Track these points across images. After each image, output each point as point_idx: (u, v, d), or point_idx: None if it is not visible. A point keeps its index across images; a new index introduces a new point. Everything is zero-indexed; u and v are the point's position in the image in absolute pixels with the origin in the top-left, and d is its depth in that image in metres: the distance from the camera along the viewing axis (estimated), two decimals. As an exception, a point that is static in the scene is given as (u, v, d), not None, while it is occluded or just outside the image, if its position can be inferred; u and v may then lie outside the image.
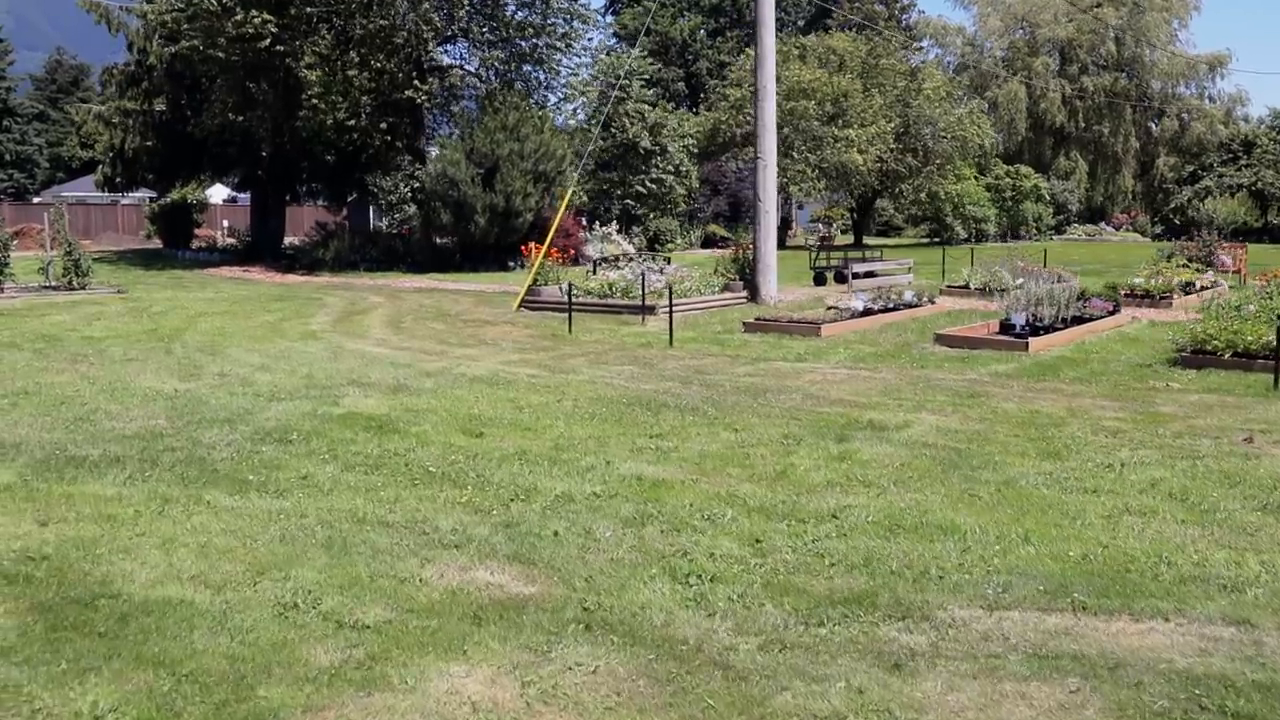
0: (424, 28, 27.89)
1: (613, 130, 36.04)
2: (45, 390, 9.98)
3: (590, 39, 35.60)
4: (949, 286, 19.87)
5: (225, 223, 44.28)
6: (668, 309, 16.16)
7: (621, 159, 37.75)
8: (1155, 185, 58.97)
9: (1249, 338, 11.25)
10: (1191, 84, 58.75)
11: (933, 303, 17.06)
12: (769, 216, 18.60)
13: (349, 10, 27.51)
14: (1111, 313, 15.27)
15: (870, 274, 22.67)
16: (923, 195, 44.99)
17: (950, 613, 4.53)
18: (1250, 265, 23.12)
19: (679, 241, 38.61)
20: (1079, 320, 14.39)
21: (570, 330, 14.79)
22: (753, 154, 40.66)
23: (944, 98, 43.61)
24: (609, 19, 62.90)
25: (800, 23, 64.00)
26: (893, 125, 41.16)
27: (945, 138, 42.70)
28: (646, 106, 38.31)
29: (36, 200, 53.01)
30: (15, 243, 32.43)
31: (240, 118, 28.50)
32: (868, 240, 46.83)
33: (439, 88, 30.83)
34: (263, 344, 13.53)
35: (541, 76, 31.51)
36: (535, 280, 17.86)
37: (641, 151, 37.66)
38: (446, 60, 32.06)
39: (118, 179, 34.24)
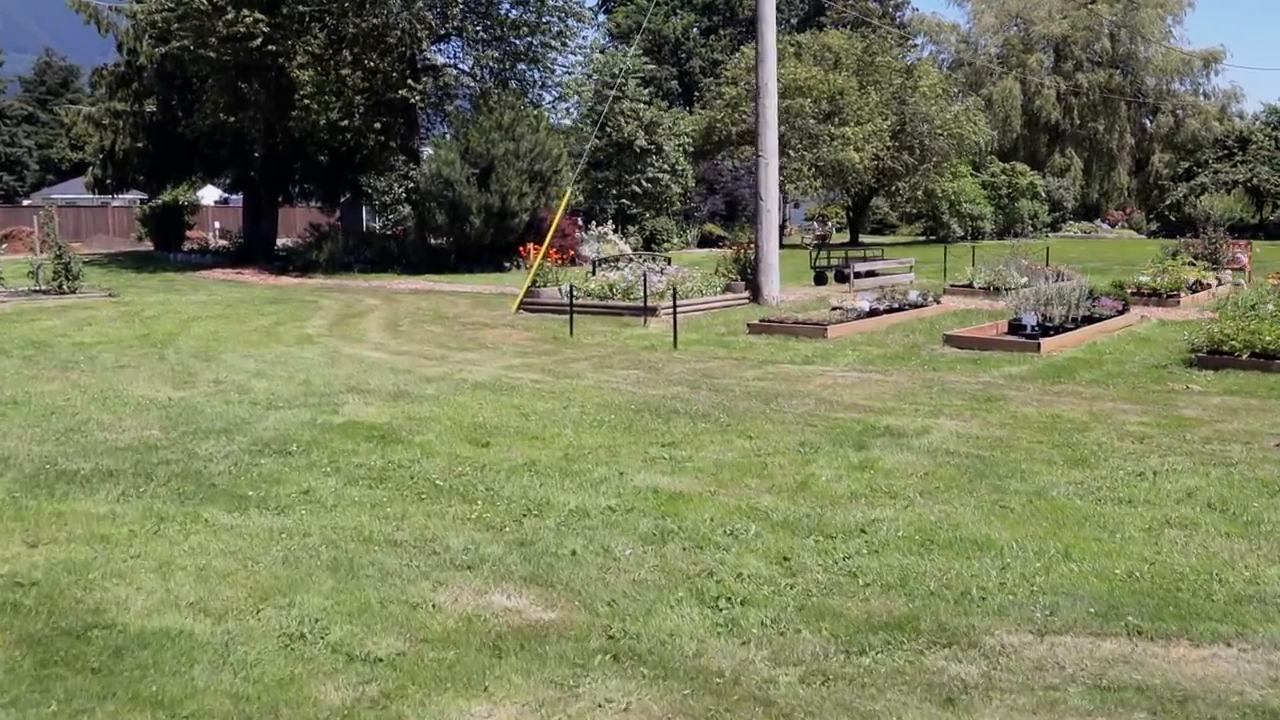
0: (417, 26, 27.57)
1: (608, 129, 35.74)
2: (35, 399, 9.68)
3: (585, 37, 35.27)
4: (952, 285, 19.63)
5: (217, 224, 43.93)
6: (669, 311, 15.92)
7: (616, 158, 37.47)
8: (1150, 182, 58.88)
9: (1268, 338, 11.02)
10: (1186, 80, 58.73)
11: (938, 302, 16.81)
12: (771, 216, 18.35)
13: (341, 9, 27.19)
14: (1121, 312, 15.03)
15: (871, 273, 22.42)
16: (919, 193, 44.77)
17: (999, 638, 4.27)
18: (1253, 263, 22.92)
19: (675, 241, 38.35)
20: (1089, 320, 14.15)
21: (571, 333, 14.51)
22: (749, 153, 40.54)
23: (940, 95, 43.41)
24: (601, 18, 62.56)
25: (794, 20, 63.75)
26: (889, 123, 40.95)
27: (941, 135, 42.50)
28: (642, 105, 38.03)
29: (26, 203, 52.60)
30: (4, 246, 32.14)
31: (232, 118, 28.16)
32: (862, 238, 46.63)
33: (433, 87, 30.52)
34: (258, 349, 13.23)
35: (536, 75, 31.22)
36: (534, 282, 17.57)
37: (637, 150, 37.38)
38: (441, 59, 31.76)
39: (108, 181, 33.87)
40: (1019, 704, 3.73)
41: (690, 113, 45.84)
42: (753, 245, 19.57)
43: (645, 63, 39.65)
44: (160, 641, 4.21)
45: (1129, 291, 17.12)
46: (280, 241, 35.64)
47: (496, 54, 29.60)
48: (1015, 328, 13.60)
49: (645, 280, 15.74)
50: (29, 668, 4.02)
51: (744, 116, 40.88)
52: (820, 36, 44.90)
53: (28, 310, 18.07)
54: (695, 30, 65.18)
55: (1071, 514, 5.98)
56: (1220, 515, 5.94)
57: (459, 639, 4.26)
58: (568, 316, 15.67)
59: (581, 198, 36.59)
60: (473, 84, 31.07)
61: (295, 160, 31.64)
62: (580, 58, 36.46)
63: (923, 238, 49.95)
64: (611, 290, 16.92)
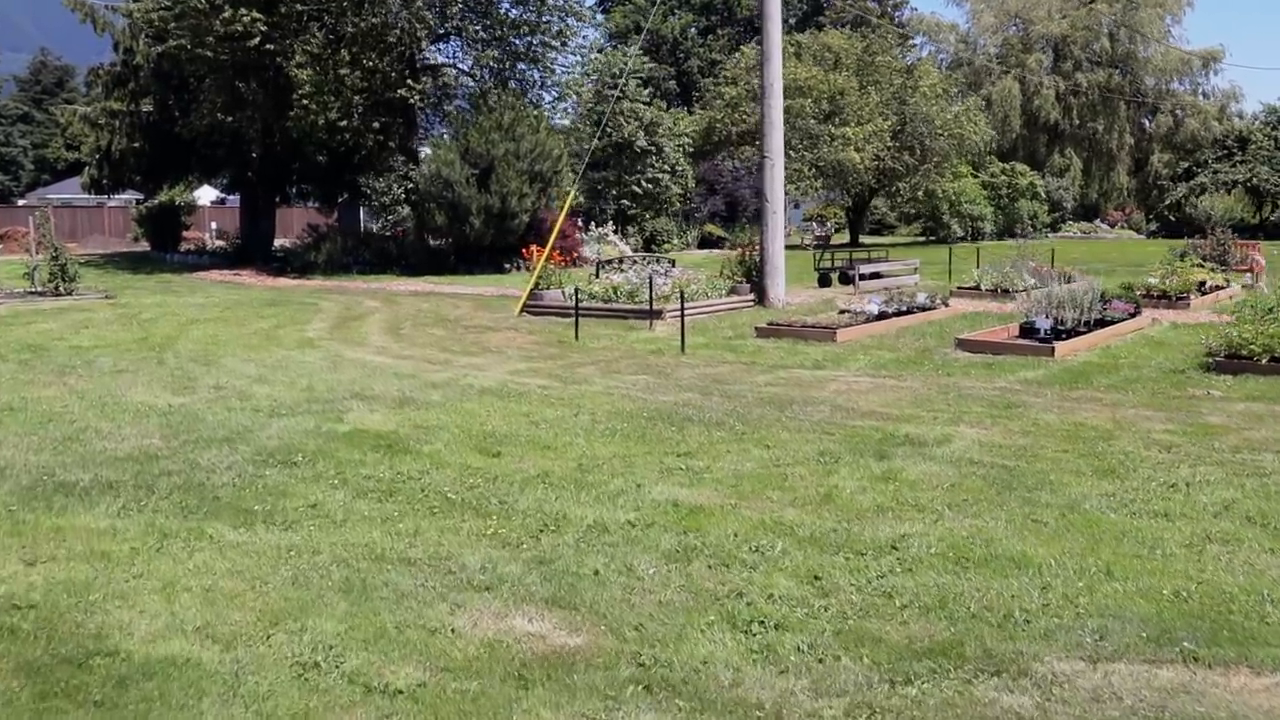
0: (417, 26, 27.35)
1: (608, 129, 35.53)
2: (31, 406, 9.44)
3: (585, 37, 35.04)
4: (959, 288, 19.43)
5: (213, 225, 43.65)
6: (675, 314, 15.71)
7: (616, 158, 37.24)
8: (1149, 182, 58.74)
9: (1289, 342, 10.82)
10: (1185, 80, 58.58)
11: (946, 305, 16.61)
12: (777, 217, 18.14)
13: (340, 8, 26.94)
14: (1132, 315, 14.83)
15: (876, 275, 22.23)
16: (920, 194, 44.58)
17: (1049, 666, 4.06)
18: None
19: (675, 242, 38.13)
20: (1101, 323, 13.95)
21: (577, 337, 14.29)
22: (749, 153, 40.38)
23: (940, 95, 43.23)
24: (599, 18, 62.31)
25: (792, 20, 63.54)
26: (889, 123, 40.75)
27: (942, 135, 42.31)
28: (642, 105, 37.80)
29: (21, 203, 52.31)
30: (0, 247, 31.87)
31: (229, 118, 27.90)
32: (862, 239, 46.44)
33: (432, 87, 30.28)
34: (258, 353, 13.00)
35: (536, 75, 30.98)
36: (537, 284, 17.35)
37: (637, 151, 37.16)
38: (440, 59, 31.52)
39: (104, 181, 33.59)
40: (1079, 740, 3.52)
41: (690, 113, 45.61)
42: (757, 247, 19.38)
43: (645, 62, 39.40)
44: (166, 671, 4.00)
45: (1138, 294, 16.92)
46: (277, 242, 35.38)
47: (496, 53, 29.35)
48: (1027, 331, 13.40)
49: (651, 283, 15.51)
50: (27, 700, 3.80)
51: (744, 117, 40.70)
52: (820, 36, 44.71)
53: (23, 312, 17.82)
54: (693, 30, 65.01)
55: (1107, 529, 5.78)
56: (1262, 530, 5.74)
57: (481, 668, 4.04)
58: (572, 319, 15.45)
59: (582, 199, 36.36)
60: (472, 84, 30.85)
61: (293, 160, 31.39)
62: (578, 58, 36.25)
63: (922, 238, 49.78)
64: (616, 293, 16.70)
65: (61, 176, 62.16)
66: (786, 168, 38.09)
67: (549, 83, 31.86)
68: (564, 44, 30.89)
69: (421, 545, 5.48)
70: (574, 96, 34.93)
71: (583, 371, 11.51)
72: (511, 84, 30.08)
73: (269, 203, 34.07)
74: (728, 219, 42.28)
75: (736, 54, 45.97)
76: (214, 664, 4.06)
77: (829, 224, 52.18)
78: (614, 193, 37.25)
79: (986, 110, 51.22)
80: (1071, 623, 4.47)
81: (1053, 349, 12.27)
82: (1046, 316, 13.30)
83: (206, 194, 46.22)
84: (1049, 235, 50.25)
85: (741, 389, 10.30)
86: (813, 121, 39.39)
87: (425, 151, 30.71)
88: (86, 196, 43.52)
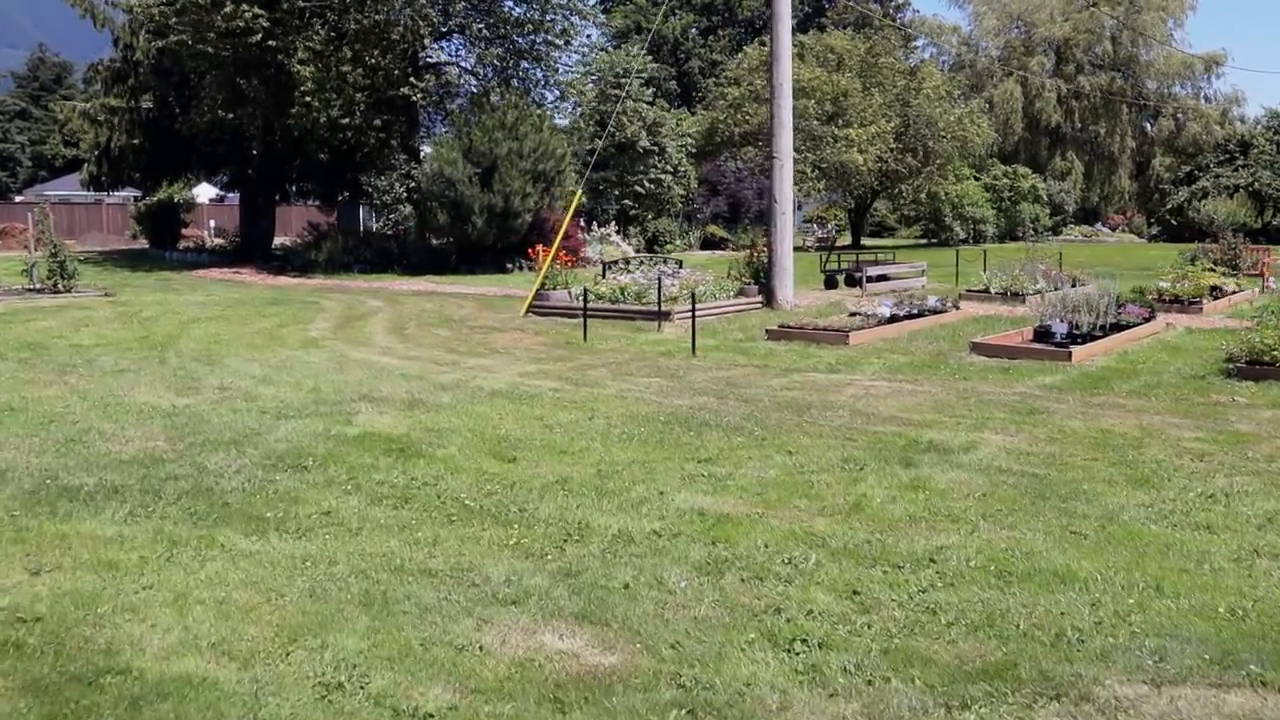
0: (420, 23, 27.13)
1: (610, 129, 35.33)
2: (32, 406, 9.23)
3: (589, 35, 34.84)
4: (968, 290, 19.23)
5: (212, 222, 43.41)
6: (683, 315, 15.53)
7: (618, 158, 37.03)
8: (1151, 186, 58.60)
9: (1312, 348, 10.64)
10: (1187, 84, 58.45)
11: (957, 308, 16.41)
12: (785, 218, 17.95)
13: (343, 5, 26.72)
14: (1147, 319, 14.64)
15: (883, 277, 22.05)
16: (923, 196, 44.41)
17: (1110, 689, 3.86)
18: (1270, 269, 22.58)
19: (678, 243, 37.92)
20: (1116, 327, 13.76)
21: (585, 338, 14.08)
22: (752, 154, 40.21)
23: (943, 97, 43.06)
24: (601, 18, 62.11)
25: (794, 21, 63.41)
26: (892, 125, 40.58)
27: (945, 137, 42.14)
28: (645, 105, 37.60)
29: (19, 199, 52.04)
30: (-3, 243, 31.62)
31: (230, 115, 27.67)
32: (863, 241, 46.29)
33: (435, 85, 30.06)
34: (262, 353, 12.79)
35: (540, 74, 30.76)
36: (543, 284, 17.14)
37: (640, 151, 36.95)
38: (444, 57, 31.32)
39: (103, 178, 33.33)
40: (1154, 772, 3.32)
41: (691, 113, 45.42)
42: (765, 248, 19.19)
43: (649, 62, 39.18)
44: (182, 691, 3.79)
45: (1151, 298, 16.74)
46: (276, 241, 35.16)
47: (500, 52, 29.13)
48: (1041, 335, 13.23)
49: (660, 284, 15.30)
50: (35, 722, 3.59)
51: (747, 117, 40.52)
52: (823, 38, 44.54)
53: (22, 310, 17.59)
54: (694, 30, 64.85)
55: (1150, 541, 5.58)
56: (1310, 544, 5.54)
57: (514, 689, 3.84)
58: (578, 320, 15.26)
59: (584, 199, 36.15)
60: (475, 82, 30.63)
61: (294, 158, 31.16)
62: (579, 56, 36.04)
63: (923, 241, 49.64)
64: (623, 294, 16.49)
65: (59, 173, 61.90)
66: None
67: (551, 82, 31.67)
68: (567, 43, 30.69)
69: (442, 555, 5.27)
70: (577, 95, 34.69)
71: (594, 374, 11.30)
72: (514, 82, 29.87)
73: (269, 201, 33.85)
74: (730, 220, 42.10)
75: (739, 54, 45.79)
76: (232, 684, 3.85)
77: (830, 225, 52.05)
78: (616, 193, 37.03)
79: (988, 113, 51.11)
80: (1128, 642, 4.27)
81: (1070, 354, 12.09)
82: (1062, 321, 13.12)
83: (205, 191, 45.95)
84: (1050, 238, 50.11)
85: (757, 393, 10.10)
86: (816, 123, 39.20)
87: (426, 150, 30.49)
88: (84, 193, 43.27)
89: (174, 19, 26.53)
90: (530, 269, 26.56)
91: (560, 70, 31.51)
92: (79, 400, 9.49)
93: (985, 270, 23.15)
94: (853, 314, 15.27)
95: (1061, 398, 9.89)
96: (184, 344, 13.49)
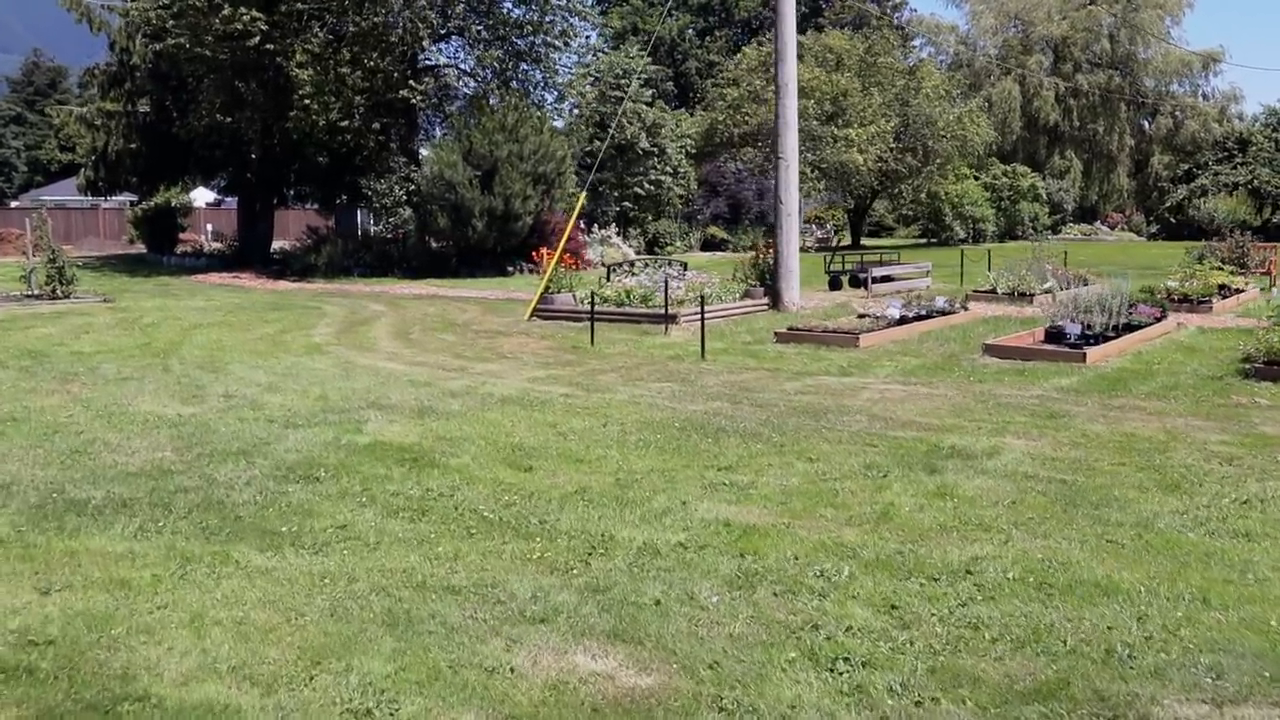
0: (419, 25, 26.98)
1: (610, 130, 35.19)
2: (35, 416, 9.07)
3: (588, 36, 34.68)
4: (975, 291, 19.10)
5: (209, 227, 43.23)
6: (689, 318, 15.38)
7: (618, 160, 36.88)
8: (1150, 184, 58.53)
9: (1332, 348, 10.51)
10: (1185, 82, 58.39)
11: (965, 309, 16.27)
12: (791, 219, 17.80)
13: (341, 7, 26.56)
14: (1159, 319, 14.50)
15: (888, 278, 21.91)
16: (923, 195, 44.29)
17: (1170, 710, 3.71)
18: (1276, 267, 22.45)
19: (678, 244, 37.76)
20: (1129, 328, 13.62)
21: (593, 342, 13.93)
22: (751, 155, 40.06)
23: (942, 96, 42.95)
24: (598, 19, 61.93)
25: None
26: (892, 125, 40.45)
27: (945, 137, 42.03)
28: (644, 106, 37.45)
29: (15, 204, 51.79)
30: (-6, 249, 31.42)
31: (228, 118, 27.50)
32: (863, 241, 46.16)
33: (434, 87, 29.90)
34: (266, 359, 12.62)
35: (539, 76, 30.60)
36: (547, 287, 16.98)
37: (639, 152, 36.79)
38: (443, 59, 31.16)
39: (100, 182, 33.13)
40: (1227, 801, 3.17)
41: (691, 114, 45.27)
42: (770, 249, 19.04)
43: (648, 63, 39.02)
44: (203, 719, 3.63)
45: (1160, 297, 16.61)
46: (275, 245, 34.96)
47: (499, 54, 28.98)
48: (1053, 336, 13.09)
49: (667, 287, 15.15)
50: (52, 754, 3.43)
51: (746, 118, 40.39)
52: (822, 37, 44.41)
53: (21, 317, 17.41)
54: (691, 31, 64.68)
55: (1190, 550, 5.43)
56: (1354, 551, 5.40)
57: (550, 714, 3.68)
58: (583, 324, 15.12)
59: (583, 200, 35.99)
60: (474, 84, 30.47)
61: (293, 161, 31.00)
62: (577, 58, 35.86)
63: (922, 240, 49.52)
64: (629, 297, 16.34)
65: (55, 178, 61.68)
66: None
67: (551, 84, 31.52)
68: (567, 44, 30.54)
69: (464, 571, 5.12)
70: (576, 97, 34.53)
71: (604, 379, 11.15)
72: (514, 84, 29.72)
73: (267, 204, 33.66)
74: (730, 221, 41.94)
75: (738, 55, 45.66)
76: (255, 711, 3.70)
77: (828, 226, 51.93)
78: (615, 195, 36.88)
79: (987, 112, 51.01)
80: (1181, 659, 4.13)
81: (1084, 355, 11.94)
82: (1075, 321, 12.98)
83: (202, 196, 45.76)
84: (1049, 237, 50.01)
85: (771, 397, 9.95)
86: (815, 123, 39.06)
87: (425, 153, 30.33)
88: (80, 198, 43.08)
89: (171, 22, 26.36)
90: (531, 271, 26.45)
91: (559, 72, 31.34)
92: (82, 410, 9.33)
93: (990, 270, 23.02)
94: (861, 315, 15.13)
95: (1080, 400, 9.75)
96: (186, 350, 13.33)
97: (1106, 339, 12.85)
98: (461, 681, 3.92)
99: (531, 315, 16.90)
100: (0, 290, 20.85)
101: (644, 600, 4.72)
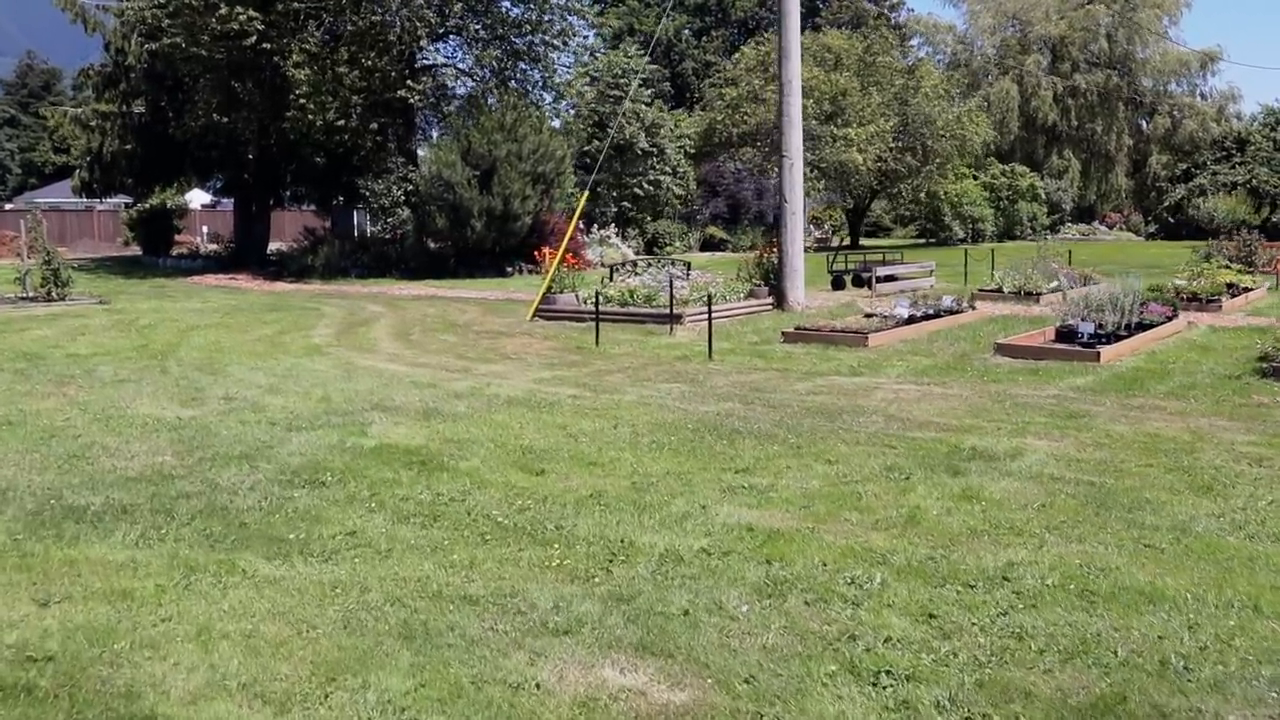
0: (417, 24, 26.76)
1: (609, 130, 35.01)
2: (31, 420, 8.84)
3: (587, 35, 34.47)
4: (980, 290, 18.91)
5: (205, 228, 43.02)
6: (694, 318, 15.20)
7: (617, 160, 36.68)
8: (1148, 184, 58.39)
9: (1352, 347, 10.33)
10: (1183, 81, 58.29)
11: (973, 308, 16.08)
12: (796, 218, 17.61)
13: (339, 6, 26.34)
14: (1170, 318, 14.32)
15: (891, 277, 21.73)
16: (922, 195, 44.13)
17: (1236, 727, 3.51)
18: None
19: (677, 244, 37.56)
20: (1141, 326, 13.43)
21: (597, 342, 13.72)
22: (750, 154, 39.88)
23: (941, 95, 42.80)
24: (596, 18, 61.68)
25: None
26: (891, 124, 40.29)
27: (944, 136, 41.87)
28: (643, 106, 37.25)
29: (9, 207, 51.49)
30: (-12, 251, 31.15)
31: (225, 119, 27.26)
32: (861, 241, 45.99)
33: (432, 87, 29.68)
34: (265, 360, 12.40)
35: (538, 75, 30.39)
36: (549, 287, 16.77)
37: (638, 152, 36.58)
38: (440, 59, 30.93)
39: (95, 184, 32.88)
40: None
41: (689, 114, 45.09)
42: (771, 249, 18.87)
43: (648, 63, 38.82)
44: (213, 741, 3.42)
45: (1168, 295, 16.43)
46: (271, 246, 34.73)
47: (498, 53, 28.77)
48: (1063, 335, 12.90)
49: (672, 286, 14.95)
50: (52, 780, 3.22)
51: (745, 118, 40.21)
52: (820, 37, 44.23)
53: (16, 319, 17.17)
54: (687, 32, 64.51)
55: (1232, 555, 5.24)
56: (1402, 555, 5.21)
57: (581, 734, 3.48)
58: (586, 324, 14.94)
59: (581, 201, 35.80)
60: (472, 84, 30.26)
61: (289, 162, 30.77)
62: (572, 58, 35.63)
63: (921, 240, 49.36)
64: (633, 296, 16.13)
65: (49, 180, 61.35)
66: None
67: (550, 83, 31.30)
68: (565, 43, 30.33)
69: (481, 579, 4.91)
70: (574, 96, 34.33)
71: (611, 379, 10.94)
72: (512, 84, 29.51)
73: (264, 206, 33.44)
74: (729, 221, 41.75)
75: (736, 55, 45.49)
76: (268, 731, 3.49)
77: (826, 225, 51.76)
78: (614, 195, 36.67)
79: (985, 111, 50.87)
80: (1240, 671, 3.93)
81: (1098, 354, 11.76)
82: (1085, 320, 12.79)
83: (197, 197, 45.52)
84: (1048, 237, 49.86)
85: (783, 398, 9.75)
86: (814, 122, 38.88)
87: (423, 153, 30.11)
88: (75, 200, 42.83)
89: (166, 21, 26.12)
90: (531, 272, 26.25)
91: (558, 72, 31.13)
92: (79, 413, 9.11)
93: (994, 269, 22.85)
94: (868, 315, 14.94)
95: (1098, 400, 9.56)
96: (184, 352, 13.10)
97: (1119, 338, 12.66)
98: (485, 699, 3.71)
99: (534, 315, 16.69)
100: (-6, 292, 20.61)
101: (671, 610, 4.52)
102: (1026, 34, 56.64)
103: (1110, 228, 56.11)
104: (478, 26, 28.97)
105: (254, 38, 25.27)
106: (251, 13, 25.09)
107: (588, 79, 37.22)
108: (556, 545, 5.40)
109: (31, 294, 19.88)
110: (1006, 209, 49.41)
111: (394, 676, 3.87)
